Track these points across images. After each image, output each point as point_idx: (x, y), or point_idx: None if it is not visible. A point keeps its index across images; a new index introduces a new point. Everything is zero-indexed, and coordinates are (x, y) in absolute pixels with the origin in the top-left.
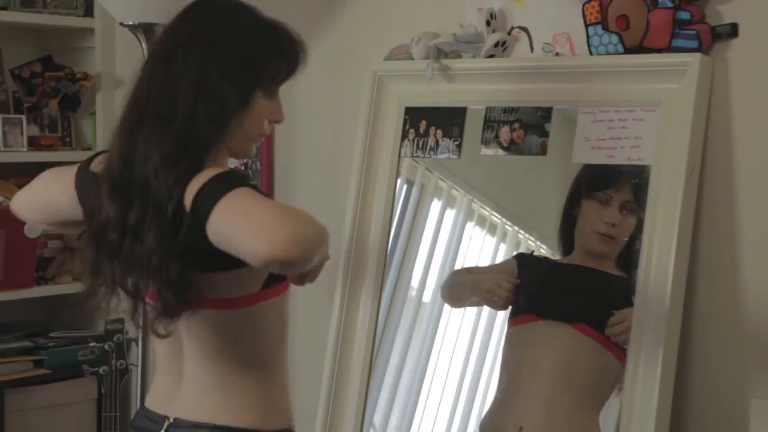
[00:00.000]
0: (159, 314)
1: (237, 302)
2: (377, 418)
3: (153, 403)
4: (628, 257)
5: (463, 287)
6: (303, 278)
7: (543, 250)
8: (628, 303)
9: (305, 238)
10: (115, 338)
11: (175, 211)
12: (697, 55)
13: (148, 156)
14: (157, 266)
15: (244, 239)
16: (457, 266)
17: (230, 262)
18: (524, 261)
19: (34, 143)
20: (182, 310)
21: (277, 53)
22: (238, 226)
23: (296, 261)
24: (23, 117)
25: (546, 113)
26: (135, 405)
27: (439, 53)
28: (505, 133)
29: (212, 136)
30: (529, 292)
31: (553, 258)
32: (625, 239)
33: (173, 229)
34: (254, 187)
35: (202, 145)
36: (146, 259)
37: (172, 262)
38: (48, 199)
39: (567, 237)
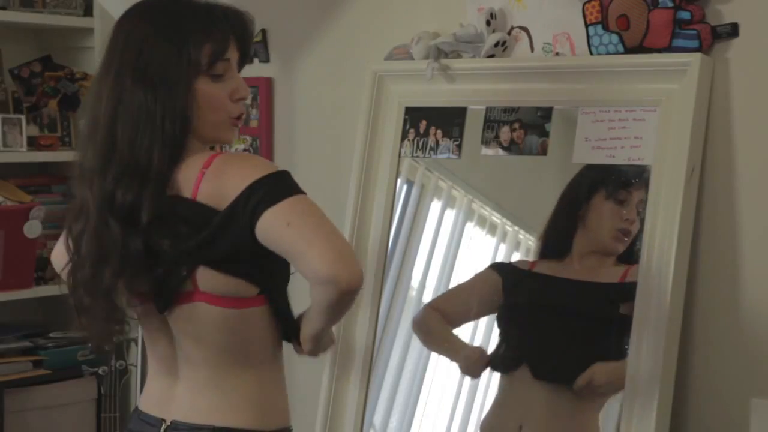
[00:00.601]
0: (149, 309)
1: (236, 302)
2: (377, 418)
3: (148, 405)
4: (630, 249)
5: (434, 341)
6: (317, 350)
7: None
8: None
9: (361, 274)
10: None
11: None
12: (698, 55)
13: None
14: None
15: (311, 254)
16: (457, 266)
17: (249, 270)
18: (507, 274)
19: (33, 143)
20: (174, 303)
21: (196, 35)
22: (305, 239)
23: (354, 289)
24: (22, 117)
25: (546, 113)
26: (134, 405)
27: (439, 53)
28: (505, 133)
29: (143, 150)
30: (518, 340)
31: (531, 264)
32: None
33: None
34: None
35: (143, 158)
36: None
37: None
38: None
39: (562, 239)
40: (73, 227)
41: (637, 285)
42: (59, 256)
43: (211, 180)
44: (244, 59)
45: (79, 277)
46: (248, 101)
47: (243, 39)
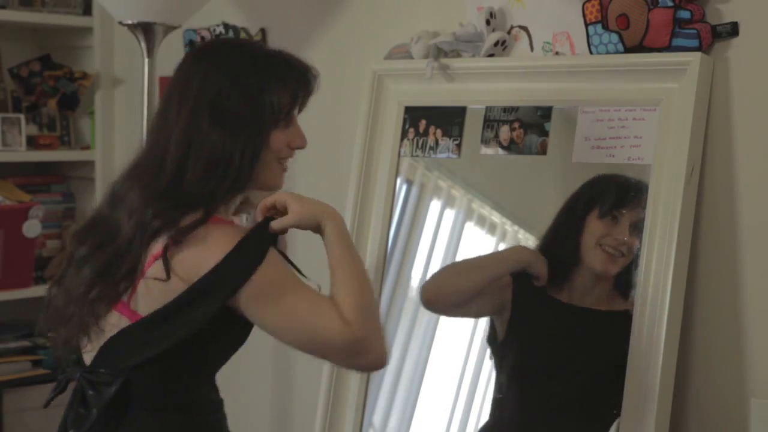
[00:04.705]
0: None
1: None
2: (377, 418)
3: None
4: (627, 277)
5: (491, 261)
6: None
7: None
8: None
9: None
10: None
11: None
12: (698, 55)
13: (133, 197)
14: (90, 299)
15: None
16: None
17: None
18: (521, 284)
19: (32, 142)
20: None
21: (278, 84)
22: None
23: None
24: (22, 116)
25: (546, 112)
26: None
27: (439, 52)
28: (504, 132)
29: (202, 187)
30: (518, 359)
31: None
32: (630, 259)
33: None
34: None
35: (196, 198)
36: (81, 291)
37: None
38: None
39: (567, 257)
40: (91, 238)
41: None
42: None
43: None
44: (302, 109)
45: (71, 286)
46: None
47: (308, 93)
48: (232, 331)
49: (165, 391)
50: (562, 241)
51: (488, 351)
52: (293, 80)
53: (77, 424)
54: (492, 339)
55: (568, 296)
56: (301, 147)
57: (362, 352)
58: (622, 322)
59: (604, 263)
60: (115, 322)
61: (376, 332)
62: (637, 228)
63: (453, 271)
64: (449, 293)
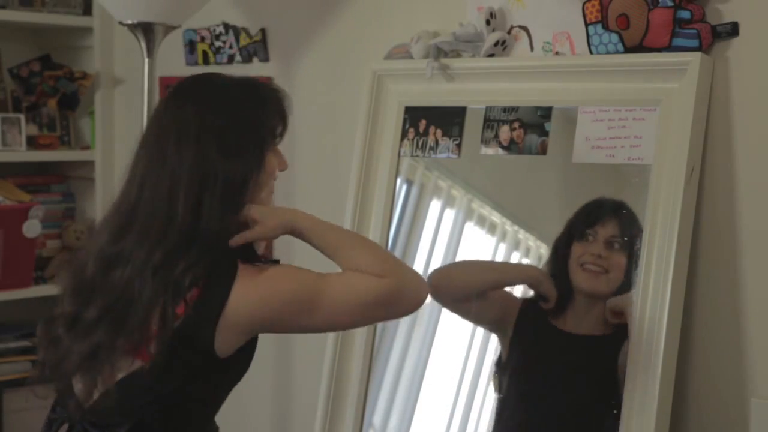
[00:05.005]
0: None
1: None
2: (377, 418)
3: None
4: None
5: (506, 268)
6: None
7: (543, 251)
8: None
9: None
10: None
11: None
12: (698, 55)
13: (139, 256)
14: (102, 359)
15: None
16: None
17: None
18: (527, 309)
19: (32, 142)
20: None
21: (270, 110)
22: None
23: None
24: (22, 116)
25: (546, 112)
26: None
27: (439, 52)
28: (504, 132)
29: (224, 219)
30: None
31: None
32: (618, 277)
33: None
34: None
35: (215, 234)
36: (88, 352)
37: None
38: None
39: (562, 285)
40: (96, 301)
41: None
42: None
43: None
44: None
45: (79, 348)
46: None
47: (289, 115)
48: (241, 358)
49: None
50: (556, 271)
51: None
52: (280, 104)
53: None
54: (498, 361)
55: (565, 323)
56: (286, 169)
57: (407, 293)
58: (615, 343)
59: (588, 281)
60: (127, 365)
61: (408, 272)
62: (613, 244)
63: (466, 265)
64: (457, 285)
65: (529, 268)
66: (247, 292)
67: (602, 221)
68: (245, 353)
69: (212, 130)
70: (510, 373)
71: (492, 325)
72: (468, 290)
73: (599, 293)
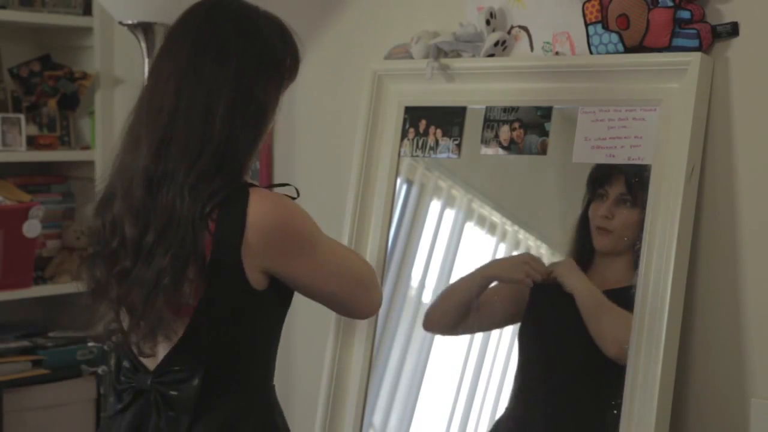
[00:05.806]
0: (148, 334)
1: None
2: (377, 418)
3: None
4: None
5: (465, 280)
6: None
7: (542, 251)
8: None
9: None
10: (113, 338)
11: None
12: (698, 55)
13: (178, 175)
14: (168, 286)
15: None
16: (456, 266)
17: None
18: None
19: (32, 142)
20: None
21: (289, 50)
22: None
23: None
24: (22, 116)
25: (546, 113)
26: None
27: (439, 52)
28: (504, 132)
29: (251, 146)
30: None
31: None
32: (626, 234)
33: (195, 251)
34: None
35: (241, 159)
36: (155, 279)
37: (183, 284)
38: None
39: (586, 249)
40: (152, 224)
41: (634, 287)
42: None
43: None
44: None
45: (140, 274)
46: None
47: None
48: (279, 290)
49: (243, 374)
50: (582, 231)
51: (493, 348)
52: (298, 50)
53: (173, 428)
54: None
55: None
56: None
57: (376, 291)
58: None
59: (597, 240)
60: (182, 325)
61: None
62: (622, 202)
63: (441, 295)
64: (437, 317)
65: (483, 267)
66: (263, 209)
67: (612, 179)
68: (282, 285)
69: (252, 53)
70: (528, 334)
71: (513, 318)
72: (448, 318)
73: (607, 251)
